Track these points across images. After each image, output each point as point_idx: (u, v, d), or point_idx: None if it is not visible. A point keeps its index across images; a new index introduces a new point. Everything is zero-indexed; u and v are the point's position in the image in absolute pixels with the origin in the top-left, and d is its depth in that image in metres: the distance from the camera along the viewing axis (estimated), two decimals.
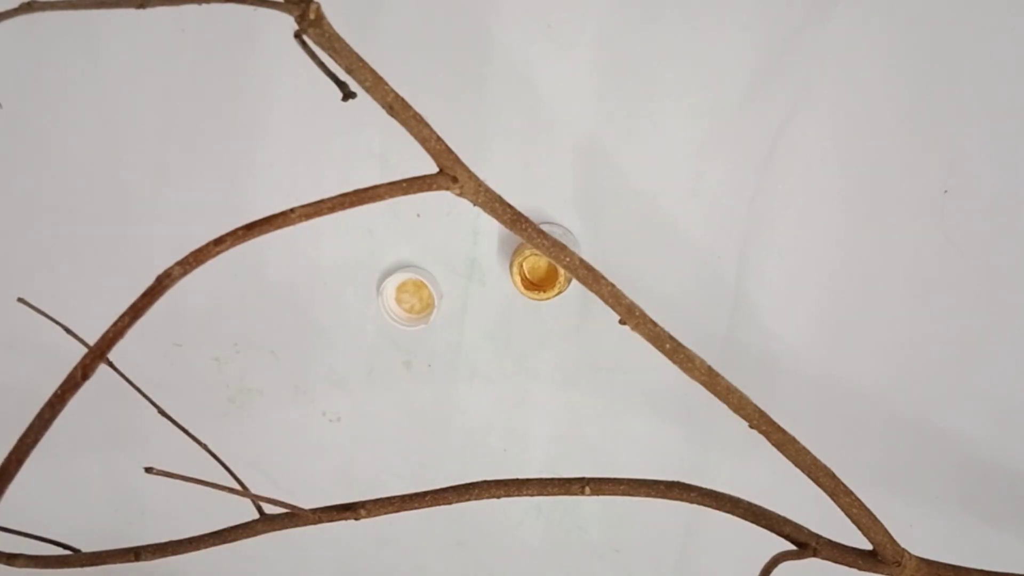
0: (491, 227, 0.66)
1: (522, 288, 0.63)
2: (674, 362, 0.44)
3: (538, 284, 0.63)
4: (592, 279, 0.43)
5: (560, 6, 0.61)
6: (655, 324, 0.44)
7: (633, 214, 0.64)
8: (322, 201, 0.38)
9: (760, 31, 0.59)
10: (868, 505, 0.48)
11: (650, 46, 0.60)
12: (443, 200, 0.65)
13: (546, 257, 0.44)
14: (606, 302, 0.43)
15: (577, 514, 0.72)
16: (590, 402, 0.69)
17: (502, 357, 0.69)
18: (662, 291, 0.65)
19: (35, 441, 0.38)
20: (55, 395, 0.38)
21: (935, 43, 0.57)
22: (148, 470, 0.53)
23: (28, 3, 0.31)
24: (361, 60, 0.36)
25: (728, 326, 0.65)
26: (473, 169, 0.41)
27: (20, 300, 0.49)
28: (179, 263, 0.38)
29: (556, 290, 0.62)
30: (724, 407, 0.67)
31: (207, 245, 0.37)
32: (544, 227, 0.64)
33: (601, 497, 0.54)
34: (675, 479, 0.52)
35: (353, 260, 0.68)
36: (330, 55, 0.35)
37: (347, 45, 0.36)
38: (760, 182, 0.62)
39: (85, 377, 0.38)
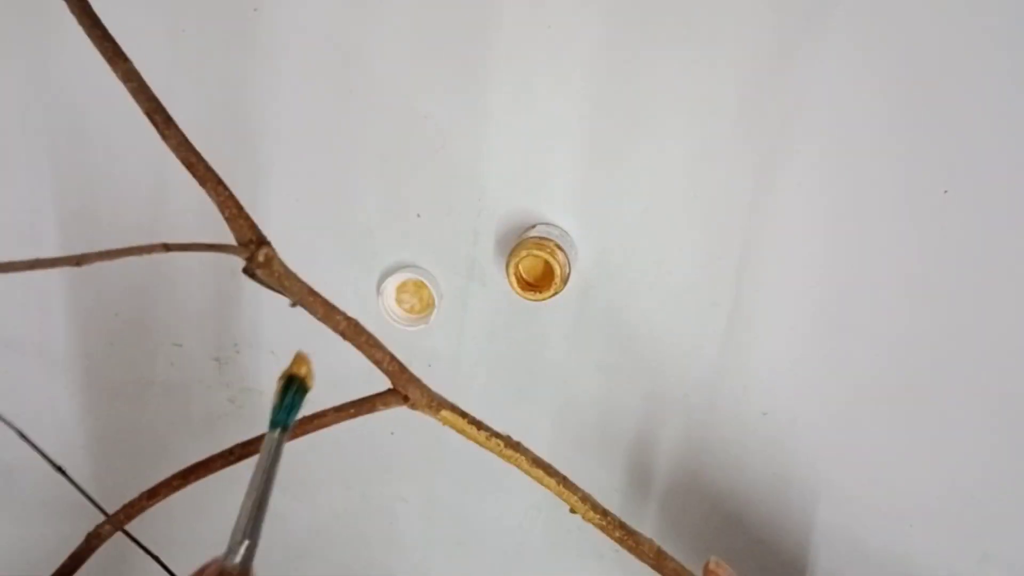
0: (491, 227, 0.66)
1: (518, 289, 0.63)
2: (624, 547, 0.49)
3: (534, 284, 0.63)
4: (545, 474, 0.44)
5: (560, 6, 0.61)
6: (605, 513, 0.49)
7: (632, 216, 0.64)
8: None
9: (761, 33, 0.59)
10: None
11: (651, 47, 0.60)
12: (443, 200, 0.65)
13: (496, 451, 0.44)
14: (560, 496, 0.45)
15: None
16: (590, 402, 0.69)
17: (502, 357, 0.69)
18: (660, 293, 0.65)
19: None
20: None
21: (935, 43, 0.57)
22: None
23: None
24: (313, 293, 0.36)
25: (726, 329, 0.65)
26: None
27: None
28: (108, 520, 0.40)
29: (552, 291, 0.62)
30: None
31: (139, 498, 0.40)
32: (542, 228, 0.64)
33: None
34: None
35: (353, 260, 0.68)
36: (280, 292, 0.36)
37: (298, 281, 0.36)
38: (760, 183, 0.62)
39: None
